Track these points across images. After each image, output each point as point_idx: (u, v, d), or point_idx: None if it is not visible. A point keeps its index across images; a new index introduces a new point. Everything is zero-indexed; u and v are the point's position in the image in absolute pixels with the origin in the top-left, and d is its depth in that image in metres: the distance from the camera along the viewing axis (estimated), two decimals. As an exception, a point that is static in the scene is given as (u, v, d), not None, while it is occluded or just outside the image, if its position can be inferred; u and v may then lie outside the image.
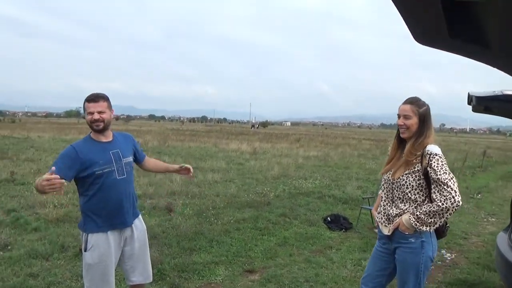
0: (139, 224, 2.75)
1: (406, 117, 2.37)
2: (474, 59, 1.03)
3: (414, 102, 2.39)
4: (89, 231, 2.51)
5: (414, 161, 2.33)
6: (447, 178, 2.18)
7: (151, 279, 2.85)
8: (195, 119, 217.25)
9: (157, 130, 40.70)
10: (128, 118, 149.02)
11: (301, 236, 5.57)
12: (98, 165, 2.47)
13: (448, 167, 2.26)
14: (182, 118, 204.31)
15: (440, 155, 2.25)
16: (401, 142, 2.52)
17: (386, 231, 2.47)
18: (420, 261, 2.33)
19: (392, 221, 2.42)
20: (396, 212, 2.41)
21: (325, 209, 7.28)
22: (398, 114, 2.44)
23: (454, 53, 1.04)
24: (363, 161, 16.32)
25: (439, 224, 2.27)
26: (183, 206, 6.93)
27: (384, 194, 2.54)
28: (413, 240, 2.33)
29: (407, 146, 2.40)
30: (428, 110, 2.40)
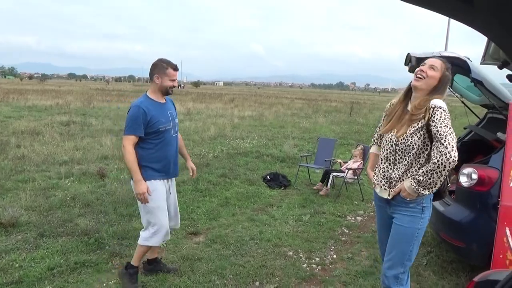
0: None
1: (432, 67, 2.20)
2: (455, 18, 0.99)
3: (445, 61, 2.24)
4: (148, 178, 2.86)
5: (418, 117, 2.16)
6: (446, 132, 2.01)
7: (179, 226, 3.40)
8: (122, 78, 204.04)
9: (80, 90, 37.56)
10: (44, 77, 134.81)
11: (243, 196, 5.62)
12: (161, 123, 2.85)
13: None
14: (107, 78, 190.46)
15: (444, 108, 2.08)
16: (406, 97, 2.34)
17: (385, 195, 2.30)
18: (417, 227, 2.21)
19: (394, 185, 2.24)
20: (399, 175, 2.23)
21: (264, 168, 7.40)
22: (424, 63, 2.26)
23: (435, 10, 0.98)
24: (297, 120, 16.80)
25: (439, 184, 2.10)
26: (118, 171, 6.55)
27: (385, 155, 2.32)
28: (413, 205, 2.19)
29: (416, 101, 2.20)
30: (449, 77, 2.25)
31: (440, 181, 2.08)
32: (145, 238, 2.96)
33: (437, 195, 2.30)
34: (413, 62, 3.18)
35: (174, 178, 3.21)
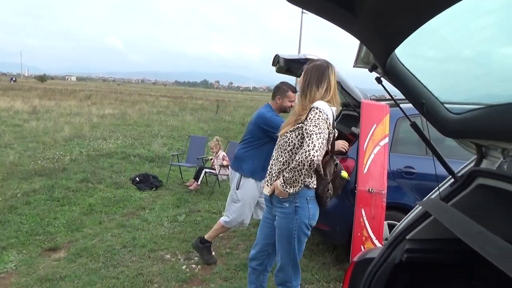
0: None
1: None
2: (335, 23, 1.06)
3: (310, 61, 2.30)
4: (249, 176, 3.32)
5: (302, 117, 2.17)
6: (313, 131, 2.00)
7: None
8: None
9: None
10: None
11: (109, 201, 5.15)
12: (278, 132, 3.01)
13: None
14: None
15: (320, 109, 2.07)
16: None
17: (266, 191, 2.34)
18: (293, 227, 2.20)
19: (274, 181, 2.26)
20: (276, 172, 2.26)
21: (132, 170, 6.94)
22: None
23: (318, 15, 1.03)
24: (163, 118, 16.30)
25: (303, 184, 2.13)
26: None
27: (274, 152, 2.36)
28: (287, 205, 2.20)
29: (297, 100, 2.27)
30: (315, 67, 2.24)
31: (302, 179, 2.09)
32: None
33: (318, 200, 2.26)
34: (281, 63, 3.39)
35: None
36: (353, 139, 3.44)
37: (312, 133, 1.99)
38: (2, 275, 3.17)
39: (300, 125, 2.17)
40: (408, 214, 1.61)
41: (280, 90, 3.25)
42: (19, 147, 8.22)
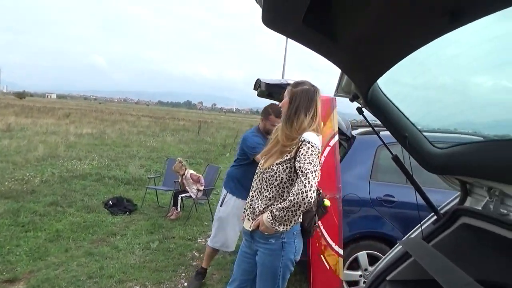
0: None
1: (283, 97, 2.14)
2: (318, 52, 0.98)
3: (294, 84, 2.13)
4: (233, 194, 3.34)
5: (289, 149, 2.02)
6: (308, 169, 1.86)
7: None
8: None
9: None
10: None
11: (78, 226, 4.86)
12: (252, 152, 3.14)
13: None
14: None
15: (313, 144, 1.94)
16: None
17: (247, 226, 2.18)
18: (279, 265, 2.07)
19: (257, 216, 2.11)
20: (261, 207, 2.10)
21: (106, 192, 6.66)
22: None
23: (300, 42, 0.95)
24: (143, 138, 16.01)
25: (295, 222, 2.04)
26: None
27: (255, 184, 2.19)
28: (273, 241, 2.06)
29: (280, 129, 2.10)
30: (304, 92, 2.07)
31: (296, 221, 2.01)
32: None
33: (304, 232, 2.17)
34: (263, 87, 3.33)
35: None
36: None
37: (308, 172, 1.86)
38: (-50, 311, 2.88)
39: (288, 158, 2.02)
40: (389, 253, 1.50)
41: (264, 112, 3.25)
42: (-14, 166, 7.83)
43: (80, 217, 5.24)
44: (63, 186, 6.72)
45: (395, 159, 1.40)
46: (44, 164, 8.64)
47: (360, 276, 3.42)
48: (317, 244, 3.18)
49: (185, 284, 3.59)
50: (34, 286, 3.30)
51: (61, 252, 4.08)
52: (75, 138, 14.03)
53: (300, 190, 1.84)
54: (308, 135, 1.96)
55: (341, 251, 3.16)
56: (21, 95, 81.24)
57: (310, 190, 1.83)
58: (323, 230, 3.16)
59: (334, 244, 3.15)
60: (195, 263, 4.12)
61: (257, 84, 3.50)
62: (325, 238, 3.15)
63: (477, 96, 1.21)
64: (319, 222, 2.91)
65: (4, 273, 3.50)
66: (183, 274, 3.81)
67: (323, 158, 3.15)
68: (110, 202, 5.85)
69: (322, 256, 3.18)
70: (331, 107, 3.16)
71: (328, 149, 3.16)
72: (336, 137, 3.18)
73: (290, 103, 2.08)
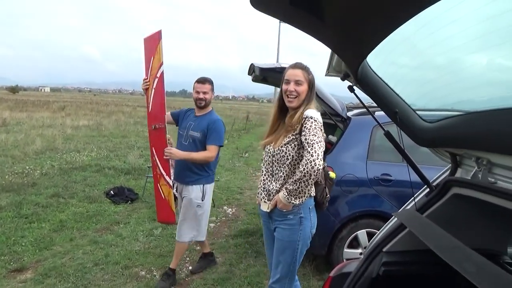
0: (187, 191, 3.26)
1: (298, 82, 2.13)
2: (307, 32, 1.02)
3: (304, 68, 2.18)
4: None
5: (293, 128, 2.12)
6: (314, 140, 1.97)
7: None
8: None
9: None
10: None
11: (82, 216, 4.94)
12: (180, 127, 3.34)
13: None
14: None
15: (315, 118, 2.05)
16: (281, 111, 2.27)
17: (265, 207, 2.26)
18: (297, 239, 2.17)
19: (272, 197, 2.21)
20: (277, 187, 2.19)
21: (107, 183, 6.72)
22: (286, 79, 2.17)
23: (288, 23, 0.99)
24: (141, 129, 16.01)
25: (308, 194, 2.15)
26: None
27: (265, 167, 2.28)
28: (291, 217, 2.16)
29: (294, 116, 2.14)
30: (314, 79, 2.21)
31: (309, 191, 2.13)
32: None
33: (317, 206, 2.28)
34: (257, 72, 3.35)
35: (186, 186, 3.27)
36: (329, 147, 3.42)
37: (314, 143, 1.97)
38: (-39, 301, 2.96)
39: (294, 136, 2.12)
40: (384, 226, 1.57)
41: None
42: (-15, 161, 7.86)
43: (83, 207, 5.31)
44: (64, 178, 6.77)
45: (387, 135, 1.45)
46: (43, 157, 8.67)
47: (360, 254, 3.52)
48: (155, 173, 3.33)
49: (190, 267, 3.68)
50: (42, 274, 3.38)
51: (66, 241, 4.16)
52: (72, 130, 14.03)
53: (308, 160, 1.95)
54: (310, 112, 2.08)
55: (171, 182, 3.24)
56: (14, 90, 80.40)
57: (317, 159, 1.94)
58: (157, 160, 3.23)
59: (165, 174, 3.19)
60: (198, 247, 4.21)
61: (251, 69, 3.52)
62: (159, 168, 3.23)
63: (472, 76, 1.24)
64: (154, 150, 3.27)
65: (12, 263, 3.58)
66: (188, 259, 3.90)
67: (153, 91, 3.20)
68: (112, 191, 5.91)
69: (158, 185, 3.32)
70: (157, 40, 3.08)
71: (156, 80, 3.14)
72: (162, 68, 3.07)
73: (309, 91, 2.18)
